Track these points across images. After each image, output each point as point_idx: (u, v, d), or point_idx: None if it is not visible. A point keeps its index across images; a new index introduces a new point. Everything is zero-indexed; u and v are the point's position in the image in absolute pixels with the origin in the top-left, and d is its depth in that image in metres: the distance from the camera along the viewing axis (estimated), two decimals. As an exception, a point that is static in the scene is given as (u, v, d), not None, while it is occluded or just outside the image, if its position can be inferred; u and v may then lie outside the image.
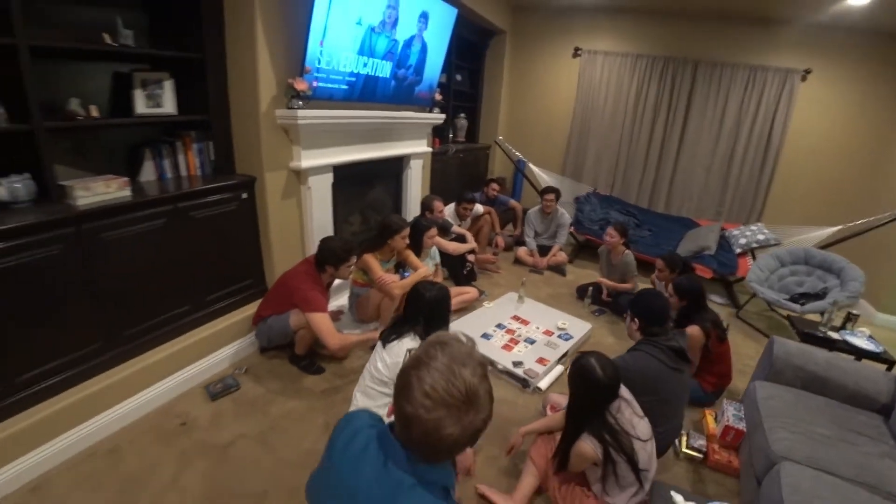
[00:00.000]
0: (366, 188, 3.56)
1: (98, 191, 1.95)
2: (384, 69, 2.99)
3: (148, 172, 2.37)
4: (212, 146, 2.52)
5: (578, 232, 4.48)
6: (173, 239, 2.18)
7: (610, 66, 4.89)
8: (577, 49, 5.04)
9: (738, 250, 4.07)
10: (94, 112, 2.03)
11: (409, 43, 3.10)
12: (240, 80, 2.40)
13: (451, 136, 5.05)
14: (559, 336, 2.92)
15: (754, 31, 4.40)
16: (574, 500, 1.61)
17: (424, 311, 1.80)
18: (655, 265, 3.11)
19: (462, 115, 5.21)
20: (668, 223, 4.67)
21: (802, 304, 3.29)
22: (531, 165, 4.90)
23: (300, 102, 2.43)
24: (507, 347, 2.74)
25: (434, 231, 3.05)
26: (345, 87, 2.73)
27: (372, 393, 1.75)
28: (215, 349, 2.41)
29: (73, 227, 1.81)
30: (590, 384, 1.51)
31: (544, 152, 5.37)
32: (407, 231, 2.77)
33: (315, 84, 2.47)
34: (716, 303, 3.89)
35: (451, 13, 3.42)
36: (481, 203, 4.50)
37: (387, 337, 1.80)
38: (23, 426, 1.70)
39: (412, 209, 3.89)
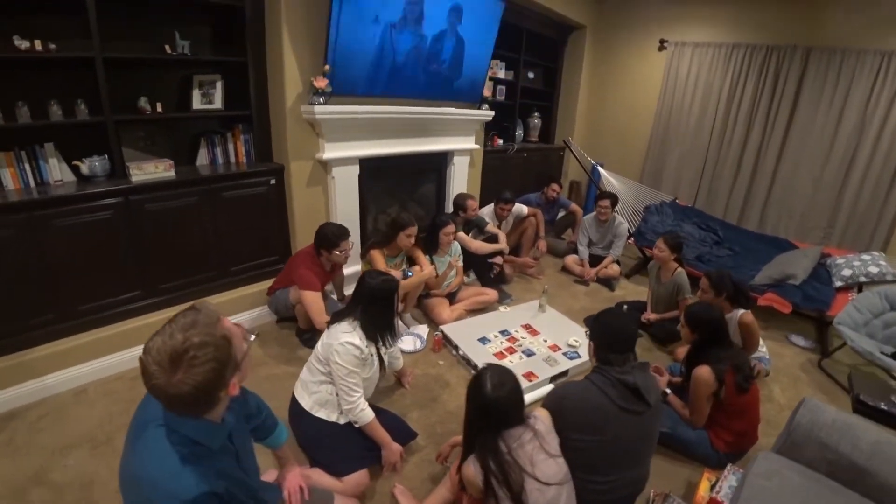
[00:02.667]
0: (404, 182, 3.79)
1: (148, 170, 2.50)
2: (410, 65, 3.16)
3: (202, 158, 2.92)
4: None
5: (638, 244, 4.13)
6: (205, 214, 2.67)
7: (700, 58, 4.37)
8: (662, 41, 4.60)
9: (839, 283, 3.36)
10: (160, 108, 2.61)
11: (438, 38, 3.22)
12: (274, 79, 2.81)
13: (519, 134, 5.04)
14: (565, 353, 2.77)
15: (891, 6, 3.54)
16: None
17: (364, 299, 1.93)
18: (700, 284, 2.76)
19: (536, 114, 5.14)
20: (757, 244, 4.03)
21: (898, 359, 2.63)
22: (600, 169, 4.63)
23: (321, 99, 2.75)
24: (499, 355, 2.70)
25: (451, 228, 3.11)
26: (364, 82, 2.97)
27: (312, 369, 1.95)
28: (233, 313, 2.87)
29: (123, 198, 2.36)
30: (476, 400, 1.44)
31: (622, 156, 5.02)
32: (412, 229, 2.85)
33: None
34: (796, 345, 3.28)
35: (494, 6, 3.44)
36: (540, 205, 4.42)
37: (331, 319, 1.98)
38: (78, 344, 2.30)
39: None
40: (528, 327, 3.03)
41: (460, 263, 3.32)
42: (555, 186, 4.37)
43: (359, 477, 1.79)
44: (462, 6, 3.22)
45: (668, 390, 2.24)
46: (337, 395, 1.85)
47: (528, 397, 2.43)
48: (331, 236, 2.58)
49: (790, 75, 3.98)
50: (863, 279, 3.30)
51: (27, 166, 2.27)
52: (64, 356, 2.26)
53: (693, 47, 4.41)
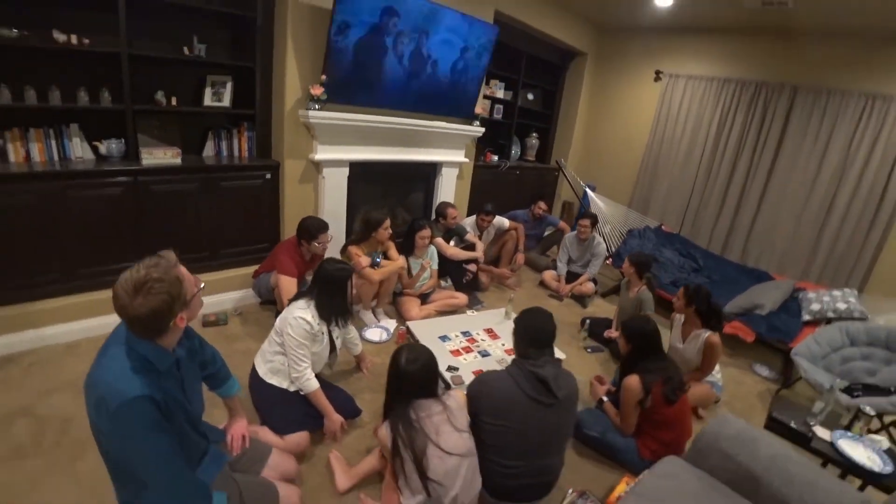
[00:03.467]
0: (394, 187, 4.06)
1: (158, 156, 2.83)
2: (403, 81, 3.46)
3: (209, 150, 3.26)
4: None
5: (615, 265, 4.28)
6: (204, 199, 2.98)
7: (692, 91, 4.57)
8: (658, 72, 4.82)
9: (807, 317, 3.44)
10: (174, 102, 2.96)
11: (432, 58, 3.52)
12: (277, 84, 3.13)
13: (515, 152, 5.29)
14: None
15: (877, 49, 3.69)
16: (386, 489, 1.68)
17: (320, 283, 2.16)
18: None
19: (534, 134, 5.40)
20: (737, 274, 4.13)
21: (856, 396, 2.70)
22: (589, 191, 4.82)
23: (316, 105, 3.06)
24: (455, 353, 2.84)
25: (426, 232, 3.33)
26: (357, 94, 3.28)
27: (271, 341, 2.17)
28: (220, 292, 3.14)
29: (132, 178, 2.69)
30: (393, 370, 1.65)
31: (614, 181, 5.21)
32: (387, 222, 3.10)
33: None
34: (759, 374, 3.36)
35: (488, 30, 3.73)
36: (526, 221, 4.63)
37: (292, 298, 2.22)
38: (76, 302, 2.60)
39: (441, 213, 4.26)
40: (489, 331, 3.17)
41: (434, 267, 3.54)
42: (541, 204, 4.57)
43: (298, 437, 2.00)
44: (457, 29, 3.53)
45: (606, 398, 2.38)
46: (288, 364, 2.08)
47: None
48: (311, 228, 2.83)
49: (777, 112, 4.12)
50: (830, 314, 3.38)
51: (53, 143, 2.62)
52: (62, 312, 2.56)
53: (686, 80, 4.61)
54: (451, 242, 3.80)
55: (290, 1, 2.85)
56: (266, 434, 1.98)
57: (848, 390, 2.80)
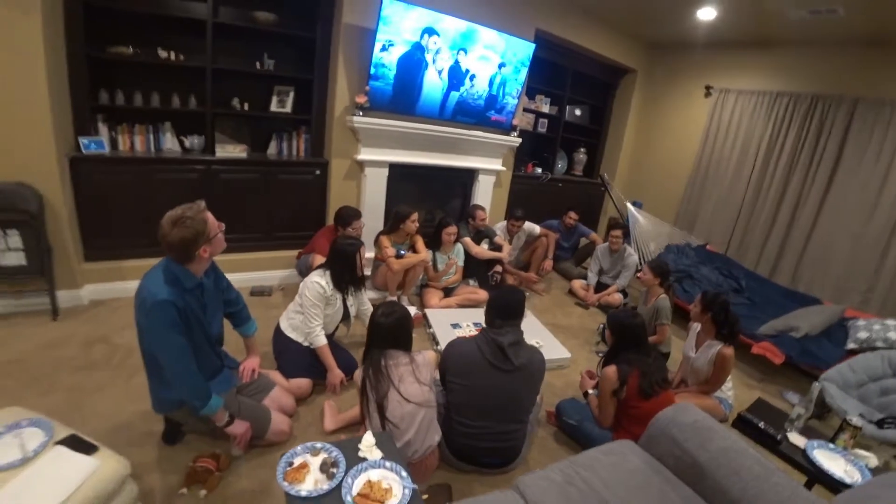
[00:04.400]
0: (433, 189, 4.39)
1: (228, 150, 3.43)
2: (439, 94, 3.83)
3: (272, 148, 3.84)
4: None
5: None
6: (262, 189, 3.53)
7: (743, 105, 4.42)
8: (708, 88, 4.72)
9: (852, 345, 3.17)
10: (246, 107, 3.58)
11: (467, 73, 3.85)
12: (330, 94, 3.64)
13: (561, 166, 5.43)
14: None
15: None
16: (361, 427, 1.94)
17: (332, 255, 2.51)
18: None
19: (582, 149, 5.50)
20: (782, 298, 3.88)
21: (884, 427, 2.50)
22: (630, 207, 4.81)
23: (360, 112, 3.51)
24: (461, 338, 3.09)
25: (452, 229, 3.60)
26: (398, 103, 3.68)
27: (294, 302, 2.56)
28: (270, 269, 3.65)
29: (206, 167, 3.30)
30: (371, 322, 1.89)
31: (660, 197, 5.13)
32: (415, 215, 3.40)
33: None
34: (788, 402, 3.15)
35: (525, 48, 4.00)
36: (560, 231, 4.75)
37: (315, 268, 2.61)
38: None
39: (475, 217, 4.52)
40: None
41: (460, 263, 3.80)
42: (571, 214, 4.66)
43: (301, 382, 2.36)
44: (494, 46, 3.84)
45: (592, 391, 2.45)
46: (303, 321, 2.46)
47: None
48: (345, 216, 3.23)
49: (835, 127, 3.85)
50: (879, 344, 3.09)
51: (151, 136, 3.31)
52: (144, 269, 3.19)
53: (737, 94, 4.48)
54: (483, 245, 4.03)
55: (341, 23, 3.35)
56: (275, 375, 2.36)
57: (881, 422, 2.60)
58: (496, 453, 2.01)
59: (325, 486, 1.40)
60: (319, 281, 2.44)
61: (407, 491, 1.41)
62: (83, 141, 2.92)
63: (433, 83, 3.78)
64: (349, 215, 3.23)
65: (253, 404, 2.04)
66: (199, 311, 1.81)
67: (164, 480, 1.82)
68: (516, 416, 2.00)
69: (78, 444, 1.48)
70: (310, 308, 2.41)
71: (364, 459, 1.52)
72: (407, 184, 4.13)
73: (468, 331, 3.21)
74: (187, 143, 3.41)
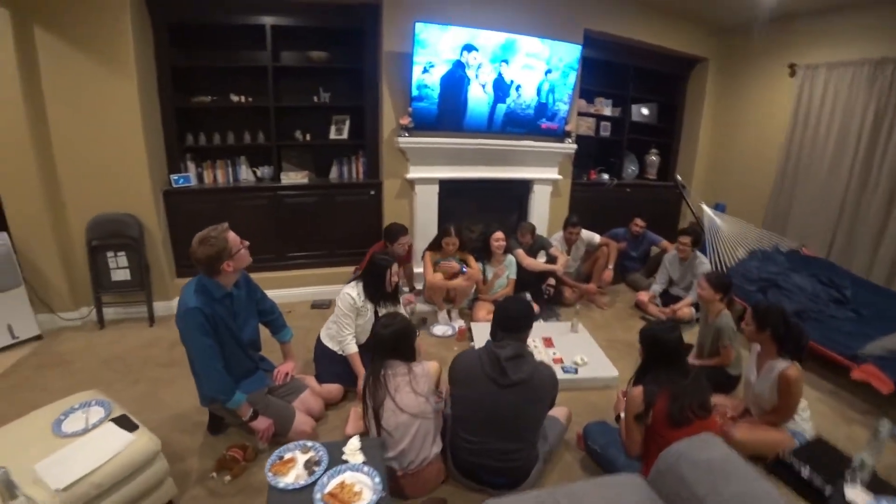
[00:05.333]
0: (488, 202, 4.41)
1: (291, 178, 3.85)
2: (485, 108, 3.88)
3: (334, 172, 4.22)
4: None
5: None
6: (322, 210, 3.89)
7: (837, 81, 3.73)
8: (792, 66, 4.09)
9: None
10: (308, 137, 4.00)
11: (512, 84, 3.86)
12: (379, 119, 3.90)
13: (632, 170, 5.11)
14: (563, 367, 2.88)
15: None
16: None
17: (366, 271, 2.66)
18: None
19: (653, 150, 5.13)
20: (904, 311, 3.18)
21: None
22: (706, 209, 4.34)
23: (405, 133, 3.72)
24: None
25: (499, 234, 3.56)
26: (442, 121, 3.81)
27: (333, 314, 2.79)
28: (331, 283, 3.95)
29: (273, 193, 3.75)
30: (373, 331, 1.98)
31: (744, 197, 4.54)
32: (451, 239, 3.45)
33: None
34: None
35: (570, 51, 3.89)
36: (626, 240, 4.46)
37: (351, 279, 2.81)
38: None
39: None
40: (547, 339, 3.22)
41: (511, 276, 3.73)
42: (638, 221, 4.32)
43: (332, 388, 2.55)
44: (536, 53, 3.80)
45: (623, 414, 2.16)
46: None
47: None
48: (392, 232, 3.38)
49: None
50: None
51: (230, 169, 3.86)
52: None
53: (827, 69, 3.79)
54: (540, 257, 3.90)
55: (383, 52, 3.60)
56: (310, 380, 2.57)
57: None
58: (500, 473, 1.92)
59: (303, 481, 1.52)
60: (350, 293, 2.62)
61: (375, 497, 1.47)
62: (173, 177, 3.51)
63: (478, 98, 3.85)
64: (396, 231, 3.39)
65: (280, 404, 2.25)
66: (229, 318, 2.08)
67: (201, 464, 2.09)
68: (518, 434, 1.89)
69: (125, 423, 1.79)
70: (342, 318, 2.59)
71: (346, 462, 1.62)
72: (460, 199, 4.22)
73: None
74: (259, 173, 3.91)
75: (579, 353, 3.04)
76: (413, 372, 1.93)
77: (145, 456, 1.73)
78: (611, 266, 4.06)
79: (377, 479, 1.53)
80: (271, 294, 3.52)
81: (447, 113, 3.82)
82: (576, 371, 2.88)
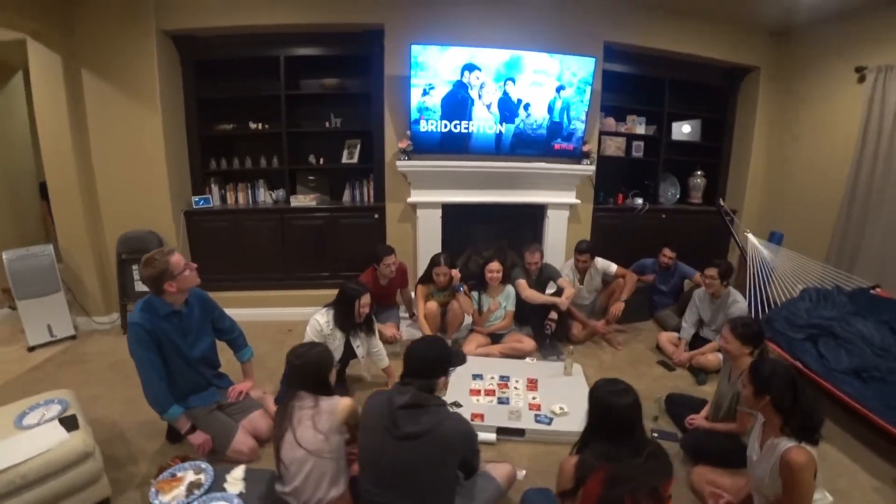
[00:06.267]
0: (497, 228, 4.30)
1: (301, 200, 4.08)
2: (491, 129, 3.81)
3: (346, 196, 4.40)
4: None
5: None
6: (328, 232, 4.07)
7: None
8: (860, 70, 3.45)
9: None
10: (321, 161, 4.22)
11: (520, 103, 3.76)
12: (383, 143, 3.99)
13: (671, 194, 4.66)
14: (538, 416, 2.60)
15: None
16: None
17: (336, 299, 2.72)
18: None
19: (698, 172, 4.63)
20: None
21: None
22: (750, 236, 3.78)
23: (405, 156, 3.77)
24: (475, 392, 2.82)
25: (495, 265, 3.39)
26: (436, 143, 3.81)
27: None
28: (333, 302, 4.11)
29: (281, 215, 4.00)
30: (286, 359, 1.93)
31: (805, 226, 3.89)
32: (441, 269, 3.37)
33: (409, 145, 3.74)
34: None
35: (584, 65, 3.72)
36: (655, 272, 4.07)
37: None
38: (238, 296, 3.98)
39: (548, 255, 4.19)
40: (532, 382, 2.95)
41: (509, 307, 3.53)
42: (666, 251, 3.89)
43: (285, 408, 2.60)
44: (545, 69, 3.68)
45: None
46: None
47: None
48: (378, 252, 3.43)
49: None
50: None
51: (249, 192, 4.20)
52: (233, 300, 3.98)
53: None
54: (549, 289, 3.68)
55: (384, 75, 3.72)
56: (268, 400, 2.65)
57: None
58: None
59: (176, 501, 1.57)
60: (319, 319, 2.70)
61: None
62: (194, 199, 3.92)
63: (483, 119, 3.81)
64: (381, 251, 3.43)
65: (225, 421, 2.35)
66: (177, 336, 2.22)
67: (149, 469, 2.23)
68: (415, 495, 1.68)
69: (69, 422, 1.97)
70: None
71: (224, 490, 1.64)
72: (468, 224, 4.17)
73: (486, 384, 2.92)
74: (273, 195, 4.20)
75: (563, 400, 2.71)
76: (318, 407, 1.82)
77: (76, 456, 1.88)
78: (623, 298, 3.68)
79: (237, 504, 1.53)
80: (276, 312, 3.71)
81: (451, 135, 3.81)
82: (549, 422, 2.57)
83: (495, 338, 3.57)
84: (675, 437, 2.56)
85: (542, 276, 3.72)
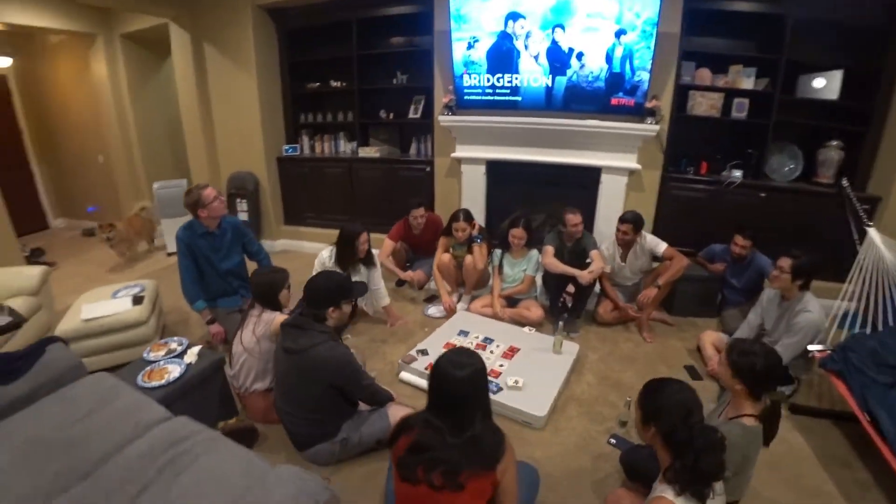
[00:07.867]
0: (547, 190, 4.10)
1: (367, 152, 4.61)
2: (539, 82, 3.63)
3: (413, 149, 4.75)
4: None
5: (825, 364, 2.46)
6: (385, 183, 4.56)
7: None
8: None
9: None
10: (391, 116, 4.63)
11: (572, 52, 3.53)
12: (434, 99, 4.15)
13: (790, 168, 3.70)
14: (492, 382, 2.57)
15: None
16: None
17: (337, 238, 3.18)
18: None
19: (833, 143, 3.52)
20: None
21: None
22: (871, 232, 2.82)
23: (448, 111, 3.90)
24: (449, 345, 2.93)
25: (518, 231, 3.35)
26: (485, 97, 3.81)
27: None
28: (385, 247, 4.61)
29: (348, 164, 4.60)
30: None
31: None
32: (460, 224, 3.48)
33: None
34: None
35: (649, 1, 3.24)
36: (726, 261, 3.43)
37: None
38: (315, 231, 4.80)
39: (601, 226, 3.94)
40: (513, 350, 2.94)
41: (529, 272, 3.47)
42: (738, 239, 3.18)
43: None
44: (600, 11, 3.37)
45: None
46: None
47: (412, 377, 2.78)
48: (408, 205, 3.76)
49: None
50: None
51: (332, 143, 4.90)
52: (310, 235, 4.83)
53: None
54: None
55: (434, 31, 3.85)
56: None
57: None
58: (289, 430, 2.16)
59: (153, 355, 2.29)
60: (324, 253, 3.26)
61: (178, 373, 2.15)
62: (285, 147, 4.78)
63: (530, 71, 3.69)
64: (411, 205, 3.75)
65: (236, 321, 3.04)
66: (209, 251, 2.99)
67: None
68: (292, 404, 2.08)
69: (137, 300, 2.95)
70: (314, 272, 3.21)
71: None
72: (515, 185, 4.13)
73: (474, 341, 3.03)
74: (350, 146, 4.80)
75: (531, 376, 2.65)
76: (261, 317, 2.39)
77: (133, 321, 2.84)
78: (660, 283, 3.22)
79: (184, 367, 2.21)
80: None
81: (495, 90, 3.79)
82: (496, 391, 2.53)
83: (513, 302, 3.57)
84: (627, 446, 2.26)
85: (580, 245, 3.47)
